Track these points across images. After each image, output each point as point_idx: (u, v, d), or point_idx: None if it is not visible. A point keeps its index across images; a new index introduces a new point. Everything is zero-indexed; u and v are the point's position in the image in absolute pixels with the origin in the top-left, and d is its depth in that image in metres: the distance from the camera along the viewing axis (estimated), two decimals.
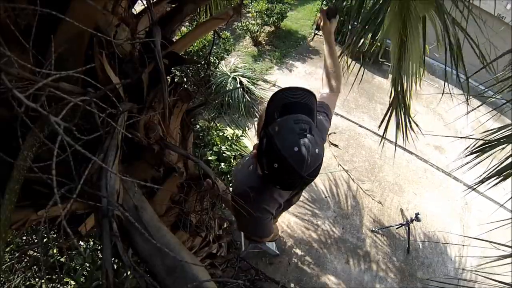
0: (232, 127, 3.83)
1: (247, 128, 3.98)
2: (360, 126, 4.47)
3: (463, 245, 3.41)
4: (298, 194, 1.40)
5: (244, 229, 1.26)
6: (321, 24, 1.37)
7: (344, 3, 1.47)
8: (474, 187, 1.55)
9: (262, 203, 1.08)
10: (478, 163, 1.61)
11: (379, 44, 1.45)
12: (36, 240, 1.75)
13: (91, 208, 0.76)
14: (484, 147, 1.49)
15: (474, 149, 1.54)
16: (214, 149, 3.11)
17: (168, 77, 1.23)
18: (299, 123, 0.84)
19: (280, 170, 0.85)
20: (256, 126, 1.55)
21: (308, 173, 0.84)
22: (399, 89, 1.37)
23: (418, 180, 4.00)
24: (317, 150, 0.84)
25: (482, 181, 1.51)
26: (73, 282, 1.77)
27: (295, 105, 0.89)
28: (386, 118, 1.58)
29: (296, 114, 0.87)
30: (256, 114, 4.10)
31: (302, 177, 0.83)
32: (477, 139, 1.42)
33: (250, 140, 3.65)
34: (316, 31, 1.55)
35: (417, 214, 2.98)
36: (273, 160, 0.85)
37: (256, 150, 0.97)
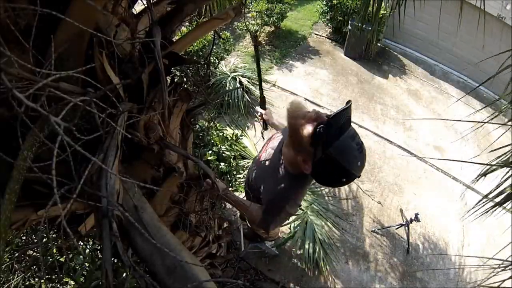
0: (232, 127, 3.83)
1: (246, 128, 3.98)
2: (360, 126, 4.47)
3: (463, 245, 3.42)
4: None
5: (259, 218, 1.36)
6: (266, 118, 1.74)
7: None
8: (476, 208, 1.56)
9: (293, 195, 1.28)
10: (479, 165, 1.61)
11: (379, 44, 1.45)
12: (35, 240, 1.75)
13: (91, 208, 0.76)
14: (493, 169, 1.51)
15: (485, 172, 1.57)
16: (213, 149, 3.10)
17: (168, 77, 1.23)
18: (354, 139, 1.02)
19: (347, 181, 1.07)
20: (271, 122, 1.82)
21: None
22: None
23: (417, 180, 4.00)
24: (365, 151, 1.05)
25: (488, 210, 1.53)
26: (72, 282, 1.76)
27: (347, 123, 1.04)
28: None
29: (348, 130, 1.02)
30: (256, 114, 4.08)
31: (357, 177, 1.06)
32: (479, 129, 1.41)
33: (249, 140, 3.64)
34: (264, 130, 1.94)
35: (416, 214, 2.98)
36: (342, 176, 1.05)
37: (311, 167, 1.09)
